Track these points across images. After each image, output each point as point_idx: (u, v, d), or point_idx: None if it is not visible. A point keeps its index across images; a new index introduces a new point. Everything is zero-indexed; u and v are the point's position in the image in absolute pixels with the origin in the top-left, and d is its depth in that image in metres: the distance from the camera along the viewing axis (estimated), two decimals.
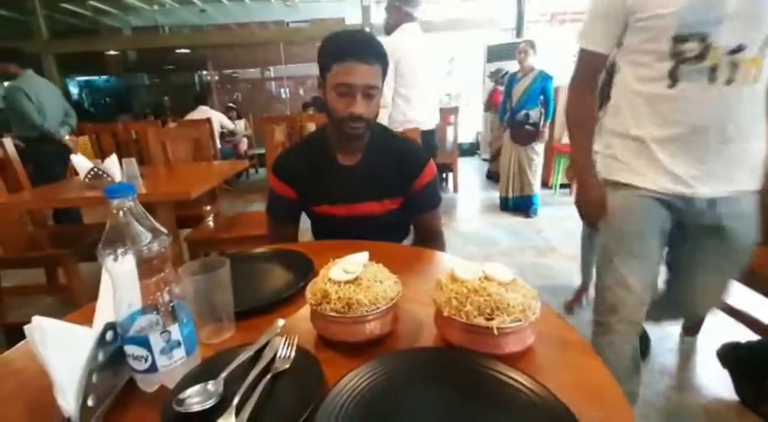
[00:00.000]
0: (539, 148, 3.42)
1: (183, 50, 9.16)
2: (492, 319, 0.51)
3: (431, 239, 1.14)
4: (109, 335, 0.48)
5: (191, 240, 1.95)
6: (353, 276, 0.58)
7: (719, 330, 1.69)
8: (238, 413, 0.44)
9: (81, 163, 1.83)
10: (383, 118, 2.10)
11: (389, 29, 2.20)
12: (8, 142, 2.03)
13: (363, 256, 0.64)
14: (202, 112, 4.89)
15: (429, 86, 2.22)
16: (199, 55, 9.41)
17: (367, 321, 0.55)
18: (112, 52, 8.19)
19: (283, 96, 8.92)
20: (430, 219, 1.13)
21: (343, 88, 0.93)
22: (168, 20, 8.46)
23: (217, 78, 9.80)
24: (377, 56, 0.94)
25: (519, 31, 6.00)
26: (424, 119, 2.20)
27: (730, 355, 1.46)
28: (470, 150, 7.02)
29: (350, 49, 0.92)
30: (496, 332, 0.50)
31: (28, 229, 2.10)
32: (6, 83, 3.04)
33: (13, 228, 1.99)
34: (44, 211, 2.16)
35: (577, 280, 2.33)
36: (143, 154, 3.20)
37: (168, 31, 8.69)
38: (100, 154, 3.96)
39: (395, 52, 2.00)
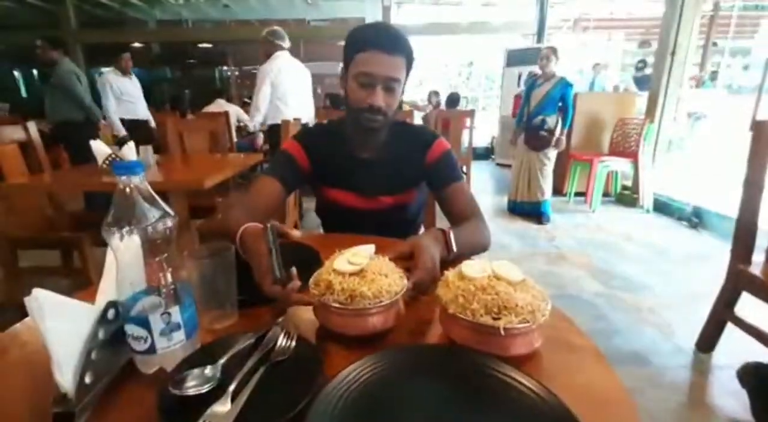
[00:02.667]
0: (552, 154, 3.37)
1: (205, 45, 9.31)
2: (499, 319, 0.50)
3: (467, 219, 0.96)
4: (110, 313, 0.48)
5: (202, 229, 1.96)
6: (358, 268, 0.57)
7: (735, 348, 1.63)
8: (234, 399, 0.43)
9: (99, 148, 1.86)
10: (257, 119, 3.16)
11: (266, 55, 3.05)
12: (32, 126, 2.08)
13: (369, 249, 0.63)
14: (219, 105, 4.95)
15: (301, 93, 3.20)
16: (220, 50, 9.54)
17: (369, 314, 0.54)
18: (136, 45, 8.36)
19: None
20: (458, 195, 1.00)
21: (364, 77, 0.90)
22: (192, 15, 8.61)
23: (237, 73, 9.92)
24: (402, 49, 0.91)
25: (540, 36, 5.93)
26: (300, 115, 2.98)
27: (752, 375, 1.40)
28: (485, 154, 6.96)
29: (374, 39, 0.89)
30: (502, 332, 0.49)
31: (47, 212, 2.15)
32: (63, 67, 3.24)
33: (33, 210, 2.04)
34: (61, 194, 2.21)
35: (587, 288, 2.28)
36: (161, 143, 3.27)
37: (191, 26, 8.84)
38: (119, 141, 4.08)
39: (272, 71, 2.99)
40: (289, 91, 3.10)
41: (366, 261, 0.58)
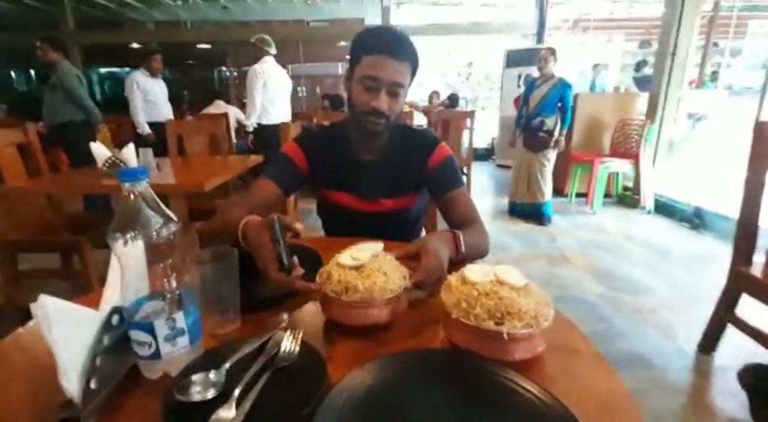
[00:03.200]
0: (551, 155, 3.38)
1: (204, 46, 9.30)
2: (502, 324, 0.50)
3: (467, 225, 0.96)
4: (115, 319, 0.48)
5: (203, 232, 1.96)
6: (358, 263, 0.61)
7: (736, 350, 1.63)
8: (238, 405, 0.43)
9: (99, 151, 1.86)
10: (254, 118, 3.42)
11: (255, 59, 3.40)
12: (31, 128, 2.08)
13: (376, 246, 0.67)
14: (218, 106, 4.94)
15: (283, 96, 3.55)
16: (218, 51, 9.54)
17: (360, 307, 0.58)
18: (135, 46, 8.36)
19: (300, 94, 8.99)
20: (458, 201, 1.01)
21: (369, 81, 0.91)
22: (191, 16, 8.61)
23: (236, 74, 9.92)
24: (409, 55, 0.92)
25: (540, 37, 5.94)
26: (282, 115, 3.51)
27: (751, 376, 1.40)
28: (485, 155, 6.96)
29: (382, 43, 0.90)
30: (506, 337, 0.49)
31: (46, 215, 2.15)
32: (64, 68, 3.24)
33: (32, 213, 2.04)
34: (60, 196, 2.21)
35: (589, 290, 2.28)
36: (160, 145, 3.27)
37: (190, 27, 8.83)
38: (119, 144, 4.07)
39: (264, 73, 3.32)
40: (275, 93, 3.44)
41: (367, 258, 0.62)
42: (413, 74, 0.96)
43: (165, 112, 3.83)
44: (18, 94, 9.62)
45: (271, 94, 3.41)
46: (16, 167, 1.94)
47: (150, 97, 3.69)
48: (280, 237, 0.61)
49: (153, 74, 3.68)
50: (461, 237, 0.79)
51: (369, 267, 0.61)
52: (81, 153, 2.94)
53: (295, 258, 0.62)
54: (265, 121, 3.47)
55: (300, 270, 0.62)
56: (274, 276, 0.61)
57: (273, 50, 3.39)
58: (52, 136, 3.32)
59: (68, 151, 3.39)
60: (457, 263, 0.73)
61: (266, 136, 3.50)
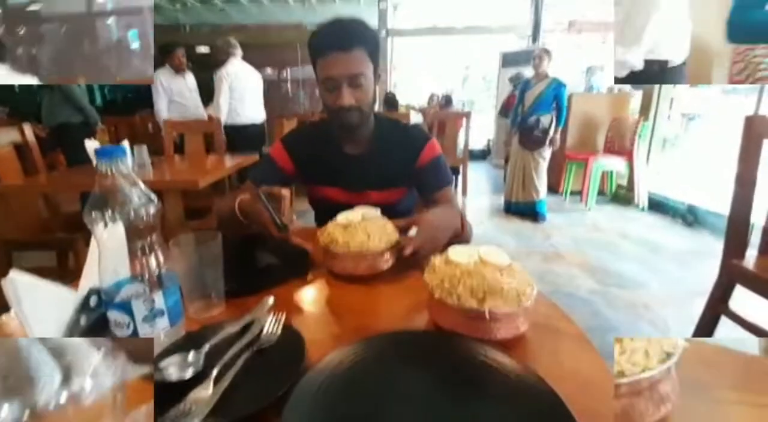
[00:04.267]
0: (546, 153, 3.39)
1: (203, 50, 9.31)
2: (484, 303, 0.50)
3: None
4: (92, 300, 0.48)
5: (197, 230, 1.96)
6: (347, 222, 0.73)
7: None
8: (216, 384, 0.43)
9: (94, 148, 1.86)
10: (222, 117, 3.31)
11: (221, 60, 3.41)
12: (27, 127, 2.07)
13: (371, 211, 0.79)
14: None
15: (253, 95, 3.54)
16: (217, 54, 9.54)
17: (343, 258, 0.70)
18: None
19: (299, 97, 8.99)
20: (447, 198, 1.04)
21: (328, 81, 0.91)
22: (189, 19, 8.63)
23: None
24: (358, 41, 0.89)
25: (535, 38, 5.97)
26: (255, 114, 3.55)
27: None
28: (481, 155, 6.99)
29: (328, 41, 0.89)
30: (487, 315, 0.48)
31: (42, 213, 2.14)
32: None
33: (29, 213, 2.03)
34: (57, 196, 2.21)
35: (583, 286, 2.28)
36: (158, 146, 3.27)
37: (189, 30, 8.84)
38: (117, 144, 4.05)
39: (229, 75, 3.34)
40: (244, 93, 3.44)
41: (358, 219, 0.74)
42: (374, 56, 0.94)
43: (194, 111, 3.58)
44: (21, 98, 9.57)
45: (239, 94, 3.37)
46: (12, 166, 1.93)
47: (176, 97, 3.45)
48: (270, 204, 0.74)
49: (177, 70, 3.42)
50: (465, 217, 0.86)
51: (354, 226, 0.72)
52: (78, 153, 2.93)
53: (286, 218, 0.75)
54: (232, 122, 3.37)
55: (294, 225, 0.76)
56: (275, 234, 0.74)
57: (239, 51, 3.40)
58: (51, 139, 3.32)
59: (66, 152, 3.39)
60: (461, 242, 0.75)
61: (239, 136, 3.35)
